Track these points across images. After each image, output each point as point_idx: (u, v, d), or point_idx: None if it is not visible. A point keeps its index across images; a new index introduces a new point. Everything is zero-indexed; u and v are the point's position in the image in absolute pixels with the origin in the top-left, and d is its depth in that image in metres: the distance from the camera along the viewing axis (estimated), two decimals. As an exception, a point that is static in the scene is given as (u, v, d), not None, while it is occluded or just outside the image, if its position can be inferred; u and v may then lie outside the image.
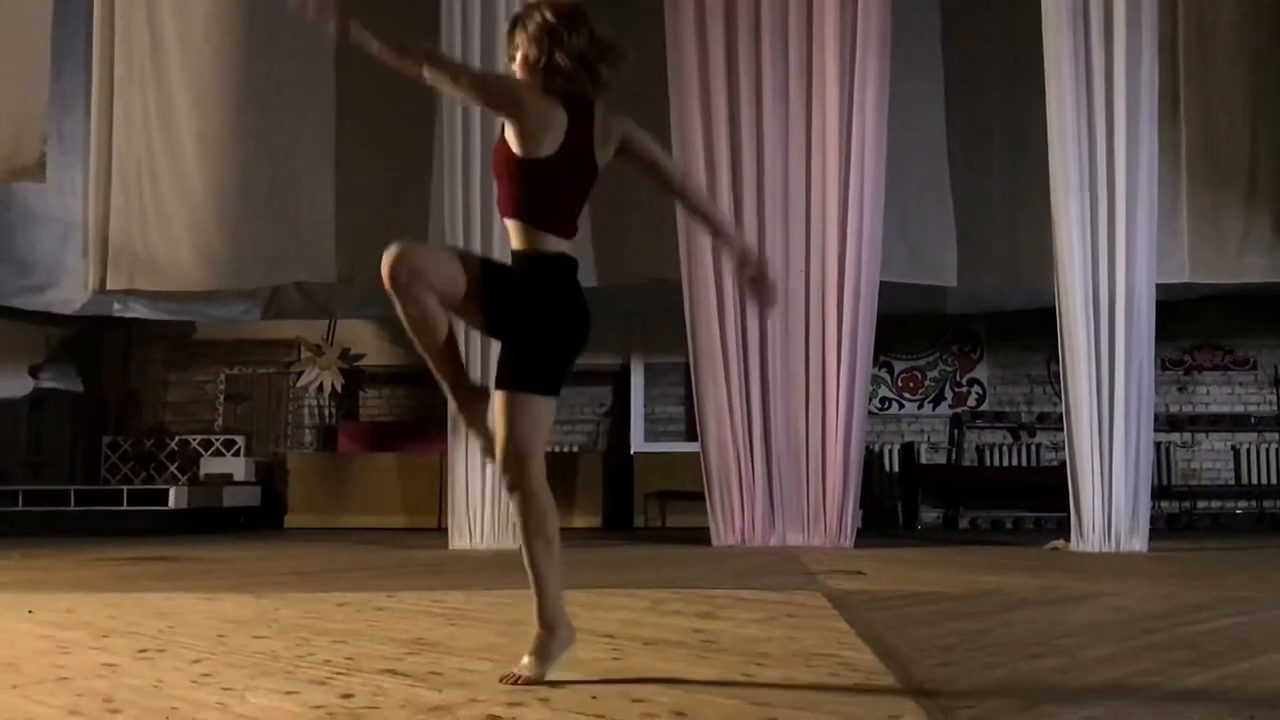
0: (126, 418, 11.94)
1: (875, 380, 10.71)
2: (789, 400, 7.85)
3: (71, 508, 9.91)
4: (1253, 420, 10.90)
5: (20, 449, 11.14)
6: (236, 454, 11.33)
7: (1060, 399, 7.89)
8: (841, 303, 7.79)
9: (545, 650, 2.61)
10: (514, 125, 2.64)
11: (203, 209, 9.14)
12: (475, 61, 7.75)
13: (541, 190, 2.65)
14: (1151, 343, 7.60)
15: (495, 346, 2.85)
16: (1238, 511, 10.80)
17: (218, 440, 11.53)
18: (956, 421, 11.13)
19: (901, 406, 11.33)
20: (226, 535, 9.53)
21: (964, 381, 11.32)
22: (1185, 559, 6.82)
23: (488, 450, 2.69)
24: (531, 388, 2.62)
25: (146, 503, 9.86)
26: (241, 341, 11.82)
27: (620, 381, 11.34)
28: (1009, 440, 11.20)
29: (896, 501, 10.92)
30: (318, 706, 2.34)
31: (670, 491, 10.27)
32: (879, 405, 11.11)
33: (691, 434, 9.19)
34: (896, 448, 11.11)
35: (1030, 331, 10.29)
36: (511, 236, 2.69)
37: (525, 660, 2.61)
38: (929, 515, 10.94)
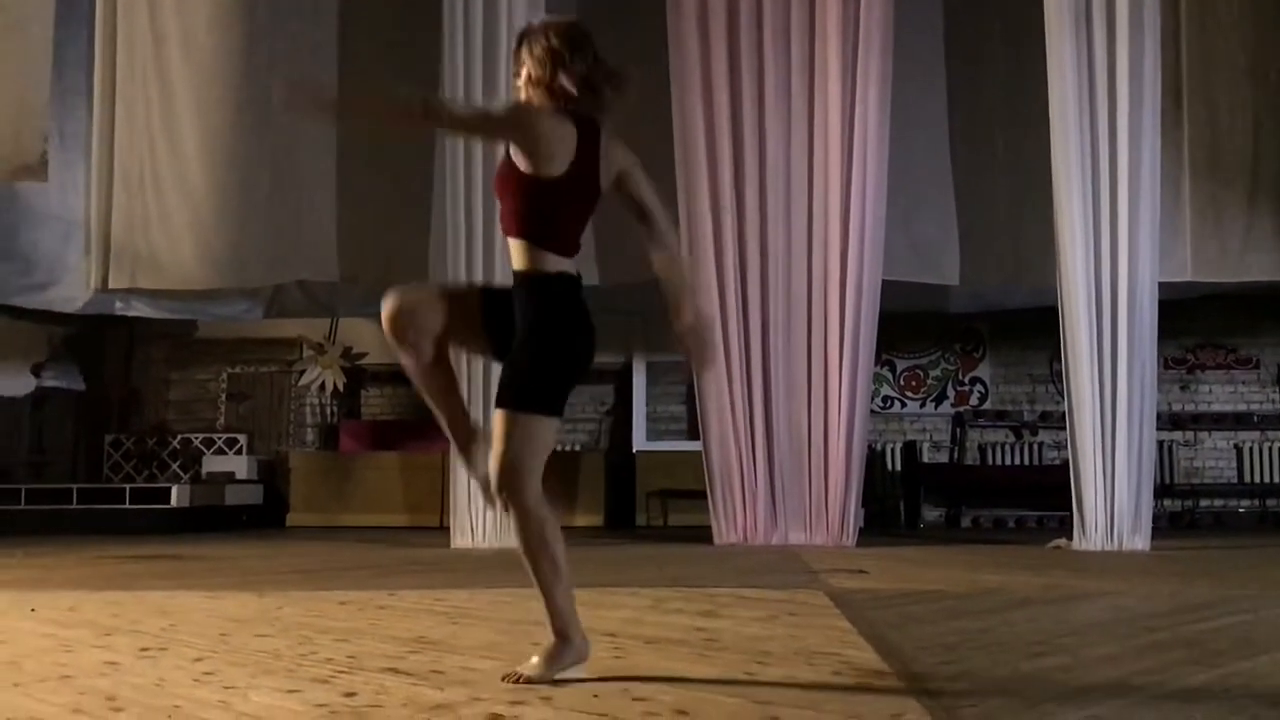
0: (129, 416, 11.94)
1: (877, 379, 10.69)
2: (791, 399, 7.85)
3: (74, 506, 9.91)
4: (1255, 419, 10.88)
5: (23, 447, 11.13)
6: (239, 452, 11.34)
7: (1063, 397, 7.88)
8: (844, 301, 7.77)
9: (555, 656, 2.60)
10: (530, 148, 2.61)
11: (205, 207, 9.12)
12: (477, 68, 7.75)
13: (547, 210, 2.64)
14: (1154, 341, 7.60)
15: (496, 370, 2.80)
16: (1240, 510, 10.79)
17: (220, 439, 11.54)
18: (959, 420, 11.12)
19: (904, 405, 11.31)
20: (229, 534, 9.53)
21: (966, 380, 11.30)
22: (1188, 558, 6.81)
23: (487, 495, 2.67)
24: (531, 407, 2.59)
25: (149, 501, 9.86)
26: (243, 340, 11.82)
27: (622, 380, 11.33)
28: (1011, 439, 11.18)
29: (899, 500, 10.90)
30: (320, 705, 2.34)
31: (672, 490, 10.26)
32: (881, 404, 11.10)
33: (693, 433, 9.18)
34: (899, 446, 11.10)
35: (1033, 330, 10.27)
36: (513, 256, 2.68)
37: (532, 660, 2.61)
38: (931, 514, 10.93)
